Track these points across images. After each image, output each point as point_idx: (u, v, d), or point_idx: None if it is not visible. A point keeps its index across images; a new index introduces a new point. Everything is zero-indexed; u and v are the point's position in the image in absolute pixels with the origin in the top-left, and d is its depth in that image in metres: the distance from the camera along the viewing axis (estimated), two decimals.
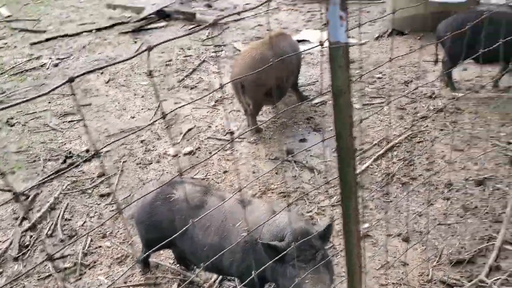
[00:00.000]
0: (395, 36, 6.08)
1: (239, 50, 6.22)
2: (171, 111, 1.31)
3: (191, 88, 5.44)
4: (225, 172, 4.05)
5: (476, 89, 4.74)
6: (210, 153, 4.32)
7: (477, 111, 4.36)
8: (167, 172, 4.12)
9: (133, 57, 1.09)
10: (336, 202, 3.51)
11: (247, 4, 7.88)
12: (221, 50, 6.33)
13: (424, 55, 5.45)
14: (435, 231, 3.15)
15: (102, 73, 6.04)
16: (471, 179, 3.56)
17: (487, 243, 2.98)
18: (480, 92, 4.67)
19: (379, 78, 5.25)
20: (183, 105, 1.85)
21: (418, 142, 4.07)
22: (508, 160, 3.69)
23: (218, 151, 4.24)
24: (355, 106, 4.73)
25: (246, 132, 4.51)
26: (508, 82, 4.67)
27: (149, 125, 1.86)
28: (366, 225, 3.28)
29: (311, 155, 4.12)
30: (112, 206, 3.80)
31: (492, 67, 4.79)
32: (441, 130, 4.18)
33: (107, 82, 5.87)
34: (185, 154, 4.35)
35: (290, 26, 6.84)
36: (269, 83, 4.30)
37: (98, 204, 3.87)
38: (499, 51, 3.73)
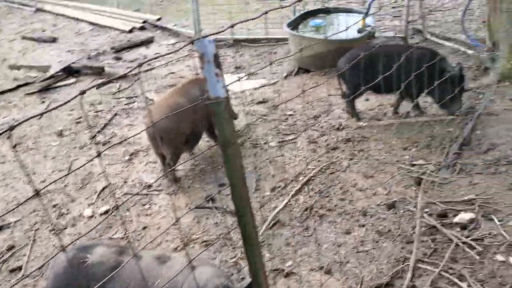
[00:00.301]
0: (302, 74, 6.38)
1: (152, 100, 6.19)
2: (81, 166, 1.27)
3: (104, 144, 5.29)
4: (144, 228, 3.93)
5: (379, 117, 5.06)
6: (127, 210, 4.19)
7: (381, 138, 4.64)
8: (83, 236, 3.91)
9: (38, 116, 1.05)
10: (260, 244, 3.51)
11: (156, 53, 7.92)
12: (134, 102, 6.27)
13: (330, 90, 5.75)
14: (355, 259, 3.25)
15: (8, 137, 5.69)
16: (382, 203, 3.75)
17: (402, 264, 3.12)
18: (383, 119, 4.99)
19: (290, 115, 5.44)
20: (91, 159, 1.80)
21: (331, 173, 4.23)
22: (414, 181, 3.93)
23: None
24: (270, 144, 4.87)
25: (168, 178, 4.44)
26: (406, 108, 5.04)
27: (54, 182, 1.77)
28: (289, 263, 3.31)
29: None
30: (24, 281, 3.53)
31: (391, 95, 5.15)
32: (351, 159, 4.39)
33: (14, 146, 5.55)
34: (101, 214, 4.17)
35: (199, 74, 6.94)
36: (187, 130, 4.31)
37: (9, 281, 3.58)
38: (393, 81, 4.07)
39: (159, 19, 9.22)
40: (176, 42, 8.29)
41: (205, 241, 3.61)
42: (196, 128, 4.46)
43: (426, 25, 6.93)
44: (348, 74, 4.73)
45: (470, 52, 5.96)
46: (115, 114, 6.00)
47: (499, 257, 3.01)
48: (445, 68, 4.35)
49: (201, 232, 3.72)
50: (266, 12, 2.71)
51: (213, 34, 1.51)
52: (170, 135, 4.20)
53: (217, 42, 6.98)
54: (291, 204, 3.91)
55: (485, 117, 4.56)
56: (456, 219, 3.38)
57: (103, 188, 4.54)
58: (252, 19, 2.32)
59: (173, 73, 7.03)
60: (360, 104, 5.24)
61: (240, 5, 8.18)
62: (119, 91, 6.65)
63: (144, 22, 9.32)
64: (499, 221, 3.30)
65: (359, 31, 6.27)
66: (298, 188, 4.07)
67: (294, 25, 6.65)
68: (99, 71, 7.28)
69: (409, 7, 6.78)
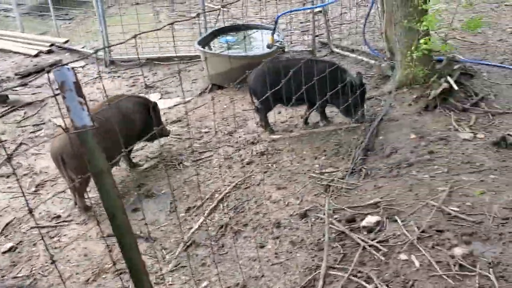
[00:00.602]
0: (216, 90, 6.41)
1: (60, 126, 5.90)
2: None
3: (8, 177, 4.95)
4: (53, 262, 3.70)
5: (291, 129, 5.19)
6: (34, 244, 3.93)
7: (293, 149, 4.76)
8: None
9: None
10: (174, 267, 3.44)
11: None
12: (40, 129, 5.94)
13: (244, 105, 5.82)
14: (270, 272, 3.27)
15: None
16: (295, 213, 3.82)
17: (314, 272, 3.19)
18: (294, 131, 5.13)
19: (206, 132, 5.43)
20: None
21: (246, 188, 4.26)
22: (323, 189, 4.06)
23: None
24: (185, 164, 4.81)
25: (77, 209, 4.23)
26: (315, 119, 5.22)
27: None
28: (205, 283, 3.27)
29: (145, 224, 4.01)
30: None
31: (301, 107, 5.31)
32: (265, 172, 4.45)
33: None
34: (4, 252, 3.88)
35: (114, 93, 6.74)
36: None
37: None
38: (303, 93, 4.21)
39: (66, 42, 8.86)
40: (86, 65, 8.01)
41: (117, 270, 3.46)
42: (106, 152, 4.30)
43: (332, 38, 7.27)
44: (259, 88, 4.82)
45: (372, 62, 6.32)
46: (21, 144, 5.65)
47: (403, 256, 3.16)
48: (346, 79, 4.57)
49: (114, 261, 3.56)
50: (172, 23, 2.70)
51: (108, 46, 1.47)
52: (72, 159, 4.00)
53: (128, 62, 6.80)
54: (206, 223, 3.88)
55: (387, 123, 4.84)
56: (363, 223, 3.52)
57: (7, 224, 4.23)
58: (157, 29, 2.31)
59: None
60: (273, 117, 5.35)
61: (151, 23, 8.09)
62: (24, 119, 6.28)
63: (51, 45, 8.91)
64: (402, 221, 3.48)
65: (269, 47, 6.44)
66: (213, 206, 4.06)
67: (205, 42, 6.68)
68: (3, 99, 6.83)
69: (314, 22, 7.10)
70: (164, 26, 2.11)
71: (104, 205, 1.47)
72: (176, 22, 2.17)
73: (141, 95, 5.27)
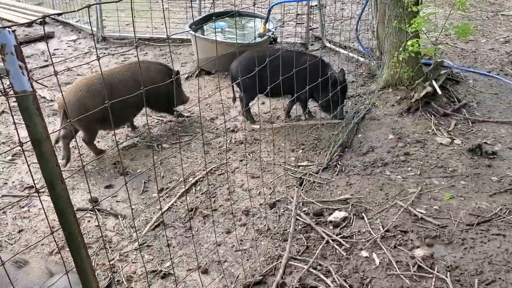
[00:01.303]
0: (204, 76, 6.38)
1: (45, 98, 5.88)
2: None
3: None
4: (20, 231, 3.70)
5: (272, 120, 5.19)
6: (4, 212, 3.92)
7: (272, 140, 4.76)
8: None
9: None
10: (139, 246, 3.45)
11: (56, 49, 7.53)
12: None
13: (229, 92, 5.80)
14: (233, 258, 3.29)
15: None
16: (265, 203, 3.84)
17: (276, 261, 3.22)
18: (275, 122, 5.13)
19: (188, 117, 5.41)
20: None
21: (220, 174, 4.27)
22: (296, 181, 4.08)
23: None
24: (164, 146, 4.80)
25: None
26: (299, 112, 5.22)
27: None
28: (168, 264, 3.28)
29: (117, 201, 4.02)
30: None
31: (285, 99, 5.31)
32: (241, 160, 4.46)
33: None
34: None
35: (102, 69, 6.70)
36: (96, 111, 4.19)
37: None
38: (284, 85, 4.20)
39: (60, 14, 8.75)
40: (77, 39, 7.94)
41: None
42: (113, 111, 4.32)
43: (326, 33, 7.25)
44: (238, 77, 4.80)
45: (362, 60, 6.32)
46: (2, 112, 5.61)
47: (364, 253, 3.20)
48: (329, 75, 4.57)
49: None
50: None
51: (57, 14, 1.44)
52: (72, 112, 4.25)
53: (120, 40, 6.74)
54: (177, 205, 3.89)
55: (368, 121, 4.85)
56: (330, 218, 3.55)
57: None
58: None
59: (70, 69, 6.72)
60: (256, 107, 5.34)
61: (147, 2, 8.02)
62: (9, 88, 6.21)
63: (45, 16, 8.80)
64: (368, 219, 3.52)
65: (260, 36, 6.41)
66: (186, 189, 4.06)
67: (197, 26, 6.64)
68: None
69: (309, 15, 7.07)
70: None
71: (43, 174, 1.46)
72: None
73: (163, 62, 5.35)
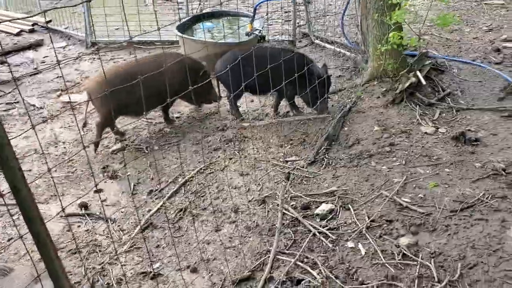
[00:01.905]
0: None
1: (34, 105, 5.92)
2: None
3: None
4: (9, 239, 3.74)
5: (261, 117, 5.23)
6: None
7: (261, 137, 4.81)
8: None
9: None
10: (129, 248, 3.49)
11: (45, 57, 7.56)
12: (14, 108, 5.93)
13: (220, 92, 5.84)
14: (222, 255, 3.33)
15: None
16: (254, 199, 3.89)
17: (264, 256, 3.26)
18: (264, 119, 5.17)
19: (177, 117, 5.46)
20: None
21: (210, 173, 4.31)
22: (284, 176, 4.12)
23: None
24: (154, 148, 4.85)
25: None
26: (286, 108, 5.27)
27: None
28: (157, 264, 3.33)
29: (106, 205, 4.06)
30: None
31: (273, 96, 5.34)
32: (230, 159, 4.50)
33: None
34: None
35: (93, 74, 6.74)
36: (116, 100, 4.46)
37: None
38: (269, 83, 4.25)
39: (49, 21, 8.80)
40: (67, 45, 7.98)
41: (70, 250, 3.51)
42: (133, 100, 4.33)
43: (313, 29, 7.28)
44: (224, 76, 4.85)
45: (348, 54, 6.36)
46: None
47: (350, 244, 3.25)
48: (313, 71, 4.61)
49: (69, 241, 3.61)
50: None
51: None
52: (94, 97, 4.50)
53: (110, 44, 6.77)
54: (165, 206, 3.93)
55: (354, 114, 4.90)
56: (317, 211, 3.60)
57: None
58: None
59: (60, 77, 6.75)
60: (245, 105, 5.38)
61: (136, 7, 8.05)
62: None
63: (34, 24, 8.85)
64: (354, 210, 3.56)
65: (247, 35, 6.45)
66: (175, 190, 4.10)
67: (184, 28, 6.68)
68: None
69: (295, 11, 7.11)
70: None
71: (6, 179, 1.50)
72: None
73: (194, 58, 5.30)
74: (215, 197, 3.99)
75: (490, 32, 6.57)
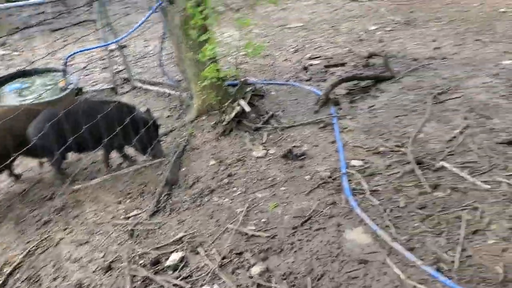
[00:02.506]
0: None
1: None
2: None
3: None
4: None
5: (93, 175, 4.87)
6: None
7: (96, 197, 4.46)
8: None
9: None
10: None
11: None
12: None
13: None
14: None
15: None
16: (99, 268, 3.55)
17: None
18: (97, 177, 4.82)
19: None
20: None
21: (42, 253, 3.82)
22: (128, 234, 3.86)
23: None
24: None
25: None
26: (120, 160, 5.00)
27: None
28: None
29: None
30: None
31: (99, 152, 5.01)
32: (65, 229, 4.07)
33: None
34: None
35: None
36: None
37: None
38: (91, 138, 3.95)
39: None
40: None
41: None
42: None
43: (133, 73, 7.15)
44: (39, 141, 4.39)
45: (173, 93, 6.38)
46: None
47: None
48: (136, 119, 4.47)
49: None
50: None
51: None
52: None
53: None
54: None
55: (189, 152, 4.88)
56: (167, 263, 3.43)
57: None
58: None
59: None
60: (73, 166, 4.96)
61: None
62: None
63: None
64: (204, 251, 3.49)
65: (62, 90, 6.02)
66: (2, 282, 3.53)
67: None
68: None
69: (110, 58, 6.91)
70: None
71: None
72: None
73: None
74: (53, 278, 3.54)
75: (297, 53, 7.25)
